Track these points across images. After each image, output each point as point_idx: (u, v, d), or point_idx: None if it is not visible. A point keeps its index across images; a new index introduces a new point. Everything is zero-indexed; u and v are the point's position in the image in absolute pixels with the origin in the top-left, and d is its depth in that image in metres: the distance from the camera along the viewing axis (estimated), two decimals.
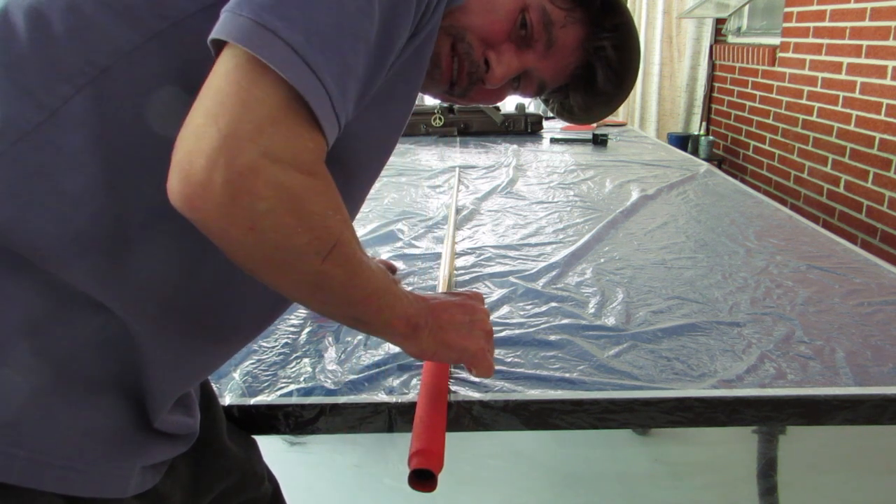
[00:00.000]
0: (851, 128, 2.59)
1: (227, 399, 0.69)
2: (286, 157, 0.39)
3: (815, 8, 2.80)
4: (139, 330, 0.43)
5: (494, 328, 0.84)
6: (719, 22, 3.87)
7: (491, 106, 1.99)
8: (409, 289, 0.97)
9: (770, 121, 3.22)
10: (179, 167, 0.38)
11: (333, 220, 0.43)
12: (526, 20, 0.60)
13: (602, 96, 0.68)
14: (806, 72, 2.89)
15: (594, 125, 2.44)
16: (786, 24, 3.04)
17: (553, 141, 2.26)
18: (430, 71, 0.57)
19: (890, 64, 2.36)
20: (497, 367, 0.74)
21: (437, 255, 1.11)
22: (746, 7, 3.59)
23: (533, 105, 2.64)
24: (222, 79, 0.38)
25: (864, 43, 2.49)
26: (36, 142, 0.40)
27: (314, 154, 0.41)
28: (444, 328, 0.58)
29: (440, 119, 2.28)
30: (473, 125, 2.35)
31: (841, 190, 2.68)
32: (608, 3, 0.62)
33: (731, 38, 3.81)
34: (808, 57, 2.86)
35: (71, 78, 0.40)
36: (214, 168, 0.37)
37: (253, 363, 0.76)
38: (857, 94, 2.55)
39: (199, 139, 0.37)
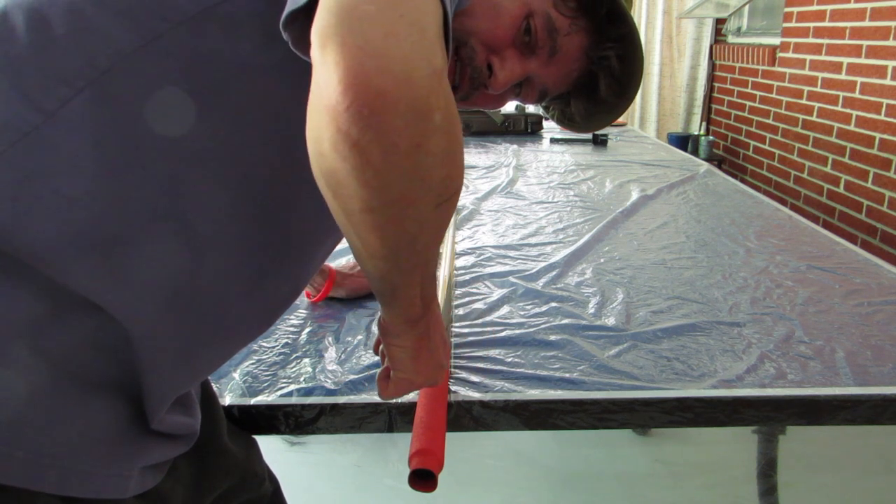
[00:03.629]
0: (851, 128, 2.59)
1: (227, 399, 0.69)
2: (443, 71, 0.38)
3: (815, 8, 2.80)
4: (138, 331, 0.43)
5: (494, 328, 0.84)
6: (719, 22, 3.87)
7: None
8: None
9: (770, 121, 3.22)
10: (374, 52, 0.34)
11: (462, 164, 0.41)
12: (530, 26, 0.60)
13: (604, 105, 0.68)
14: (806, 72, 2.89)
15: None
16: (786, 24, 3.04)
17: (553, 141, 2.26)
18: None
19: (890, 64, 2.36)
20: (497, 367, 0.74)
21: (437, 256, 1.10)
22: (746, 7, 3.58)
23: (533, 105, 2.64)
24: None
25: (864, 43, 2.49)
26: (35, 144, 0.39)
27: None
28: (433, 336, 0.57)
29: None
30: (473, 125, 2.34)
31: (841, 190, 2.68)
32: (613, 13, 0.62)
33: (731, 38, 3.81)
34: (808, 57, 2.86)
35: (70, 80, 0.40)
36: (413, 62, 0.35)
37: (253, 363, 0.76)
38: (857, 94, 2.55)
39: (395, 29, 0.35)
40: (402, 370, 0.56)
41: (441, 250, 1.11)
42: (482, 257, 1.11)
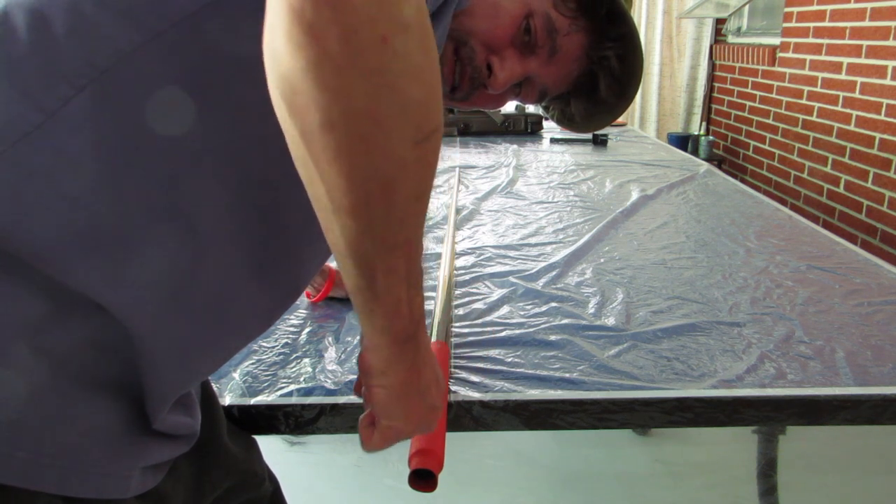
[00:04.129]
0: (851, 128, 2.59)
1: (227, 399, 0.69)
2: None
3: (815, 8, 2.80)
4: (139, 331, 0.43)
5: (494, 328, 0.84)
6: (719, 22, 3.87)
7: None
8: None
9: (770, 121, 3.22)
10: None
11: (440, 97, 0.36)
12: (530, 26, 0.60)
13: (603, 105, 0.68)
14: (806, 72, 2.89)
15: None
16: (786, 24, 3.04)
17: (553, 141, 2.26)
18: None
19: (890, 64, 2.36)
20: (497, 367, 0.74)
21: (437, 255, 1.10)
22: (746, 7, 3.58)
23: (533, 105, 2.64)
24: None
25: (864, 43, 2.49)
26: (35, 143, 0.39)
27: None
28: (424, 371, 0.49)
29: None
30: (473, 125, 2.35)
31: (841, 190, 2.68)
32: (613, 13, 0.62)
33: (731, 38, 3.81)
34: (808, 57, 2.86)
35: (71, 79, 0.40)
36: None
37: (253, 363, 0.76)
38: (857, 94, 2.55)
39: None
40: (388, 416, 0.48)
41: (441, 250, 1.11)
42: (482, 257, 1.11)
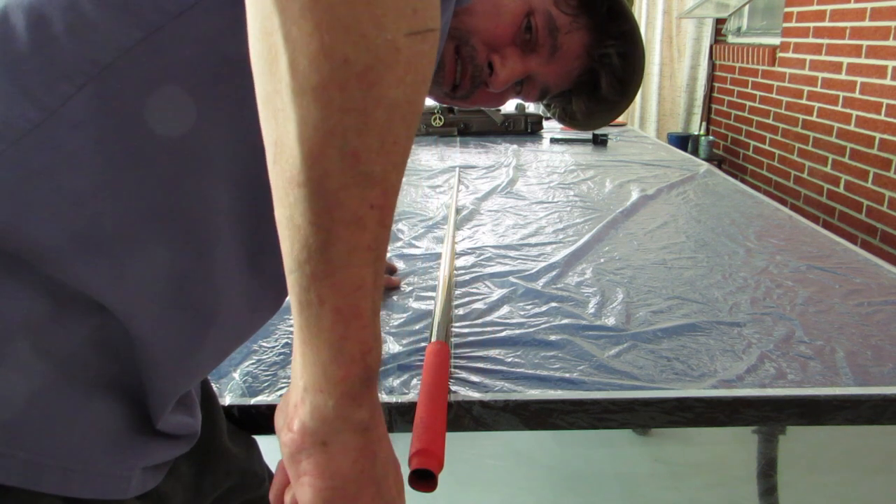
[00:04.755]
0: (851, 128, 2.59)
1: (227, 399, 0.69)
2: None
3: (815, 8, 2.80)
4: (139, 330, 0.43)
5: (494, 328, 0.84)
6: (719, 22, 3.87)
7: None
8: (409, 289, 0.97)
9: (770, 121, 3.22)
10: None
11: (437, 6, 0.30)
12: (531, 24, 0.60)
13: (605, 103, 0.68)
14: (806, 72, 2.89)
15: None
16: (786, 24, 3.04)
17: (553, 141, 2.26)
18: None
19: (890, 64, 2.36)
20: (497, 367, 0.74)
21: (437, 255, 1.10)
22: (746, 7, 3.58)
23: (533, 105, 2.64)
24: None
25: (864, 43, 2.49)
26: (36, 142, 0.39)
27: None
28: (385, 443, 0.37)
29: (440, 119, 2.28)
30: (473, 125, 2.35)
31: (841, 190, 2.68)
32: (614, 10, 0.62)
33: (731, 38, 3.81)
34: (808, 57, 2.86)
35: (71, 77, 0.40)
36: None
37: (253, 363, 0.76)
38: (857, 94, 2.55)
39: None
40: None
41: (441, 250, 1.11)
42: (482, 257, 1.11)
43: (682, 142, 3.69)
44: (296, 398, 0.34)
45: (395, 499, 0.37)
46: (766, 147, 3.27)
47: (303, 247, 0.30)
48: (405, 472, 0.56)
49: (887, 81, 2.37)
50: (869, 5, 2.46)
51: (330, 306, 0.30)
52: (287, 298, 0.55)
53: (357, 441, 0.33)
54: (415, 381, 0.71)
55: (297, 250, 0.30)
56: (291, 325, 0.85)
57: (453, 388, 0.70)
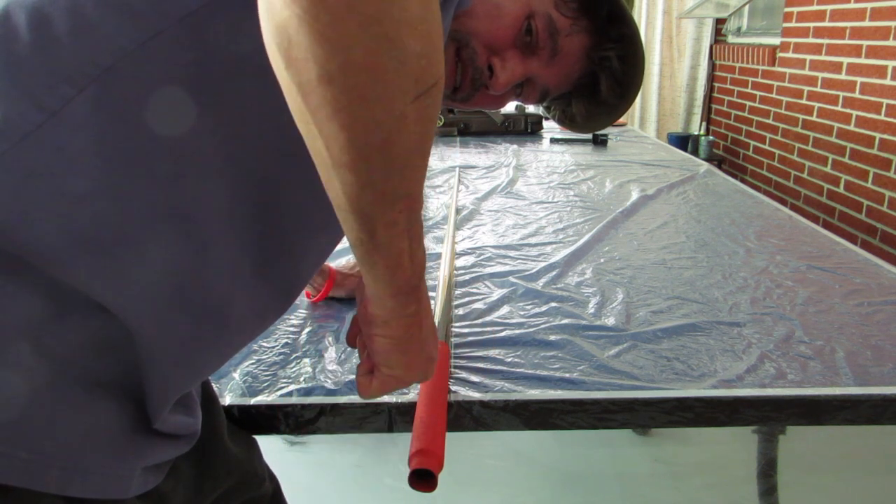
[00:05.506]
0: (851, 128, 2.59)
1: (227, 399, 0.69)
2: None
3: (815, 8, 2.80)
4: (140, 330, 0.43)
5: (494, 328, 0.84)
6: (719, 22, 3.87)
7: None
8: None
9: (770, 121, 3.22)
10: None
11: (441, 50, 0.36)
12: (531, 27, 0.60)
13: (605, 106, 0.68)
14: (806, 72, 2.89)
15: None
16: (786, 24, 3.04)
17: (553, 141, 2.27)
18: None
19: (890, 64, 2.36)
20: (497, 367, 0.74)
21: (437, 255, 1.11)
22: (746, 7, 3.59)
23: (533, 106, 2.64)
24: None
25: (864, 43, 2.49)
26: (37, 143, 0.39)
27: None
28: (424, 323, 0.50)
29: (440, 119, 2.28)
30: (473, 125, 2.35)
31: (841, 190, 2.68)
32: (615, 13, 0.62)
33: (731, 38, 3.82)
34: (808, 57, 2.86)
35: (72, 78, 0.40)
36: None
37: (253, 363, 0.76)
38: (857, 94, 2.55)
39: None
40: (388, 365, 0.50)
41: (441, 250, 1.11)
42: (482, 257, 1.11)
43: (682, 142, 3.69)
44: (369, 294, 0.46)
45: (433, 351, 0.51)
46: (766, 147, 3.27)
47: (356, 237, 0.41)
48: (405, 472, 0.56)
49: (887, 81, 2.37)
50: (869, 5, 2.46)
51: (381, 265, 0.43)
52: (292, 301, 0.56)
53: (407, 321, 0.47)
54: None
55: (352, 239, 0.41)
56: (291, 326, 0.85)
57: (453, 388, 0.70)
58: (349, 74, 0.33)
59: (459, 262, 1.09)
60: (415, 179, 0.39)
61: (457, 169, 1.78)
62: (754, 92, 3.38)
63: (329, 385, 0.72)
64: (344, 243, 0.58)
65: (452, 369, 0.74)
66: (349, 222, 0.40)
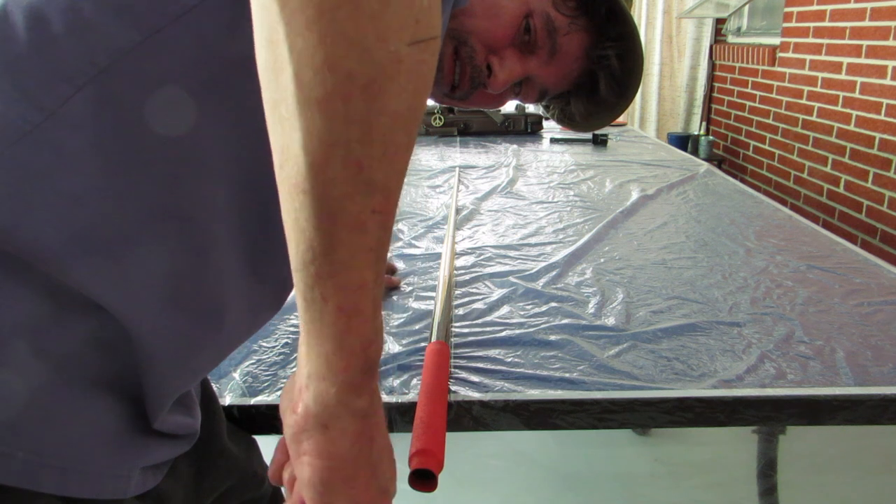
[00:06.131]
0: (851, 128, 2.59)
1: (227, 399, 0.69)
2: None
3: (815, 8, 2.80)
4: (138, 330, 0.43)
5: (494, 328, 0.84)
6: (719, 22, 3.87)
7: None
8: (409, 289, 0.97)
9: (770, 121, 3.22)
10: None
11: (439, 10, 0.30)
12: (530, 26, 0.60)
13: (604, 105, 0.68)
14: (806, 72, 2.89)
15: None
16: (786, 24, 3.04)
17: (553, 141, 2.26)
18: None
19: (890, 64, 2.36)
20: (497, 367, 0.74)
21: (437, 255, 1.10)
22: (746, 7, 3.59)
23: (533, 105, 2.64)
24: None
25: (864, 43, 2.49)
26: (35, 143, 0.39)
27: None
28: (377, 434, 0.37)
29: (440, 119, 2.28)
30: (473, 125, 2.35)
31: (841, 190, 2.68)
32: (613, 12, 0.62)
33: (731, 38, 3.81)
34: (808, 57, 2.86)
35: (70, 78, 0.40)
36: None
37: (253, 363, 0.76)
38: (857, 94, 2.55)
39: None
40: (327, 499, 0.36)
41: (441, 250, 1.11)
42: (482, 257, 1.11)
43: (682, 142, 3.69)
44: (301, 383, 0.35)
45: (388, 480, 0.38)
46: (766, 147, 3.27)
47: (307, 248, 0.31)
48: (405, 472, 0.56)
49: (887, 81, 2.37)
50: (869, 5, 2.46)
51: (333, 304, 0.32)
52: (288, 299, 0.55)
53: (356, 426, 0.35)
54: (415, 381, 0.71)
55: (302, 251, 0.32)
56: (291, 326, 0.85)
57: (453, 388, 0.70)
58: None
59: (459, 262, 1.09)
60: (395, 169, 0.31)
61: (457, 169, 1.78)
62: (754, 92, 3.38)
63: None
64: None
65: (452, 369, 0.74)
66: (303, 214, 0.30)
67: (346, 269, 0.31)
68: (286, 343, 0.81)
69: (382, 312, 0.34)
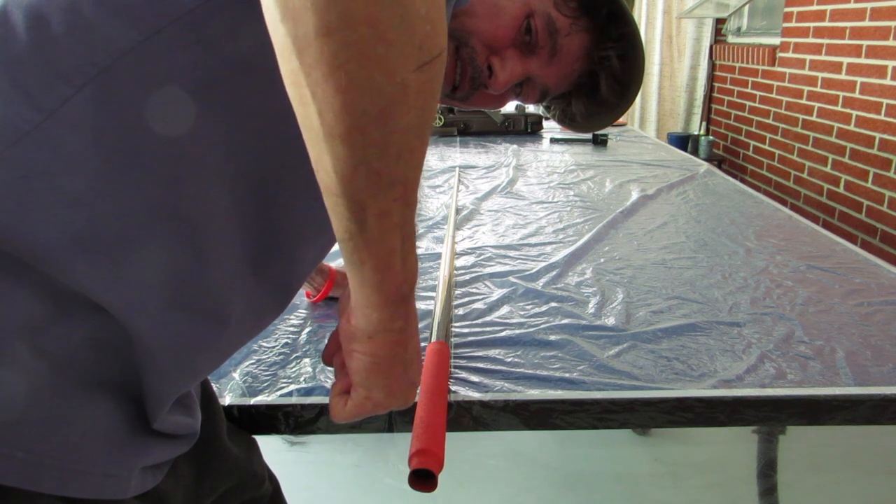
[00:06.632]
0: (851, 128, 2.59)
1: (227, 399, 0.69)
2: None
3: (815, 8, 2.80)
4: (138, 331, 0.43)
5: (494, 328, 0.84)
6: (719, 22, 3.87)
7: None
8: None
9: (770, 121, 3.22)
10: None
11: (445, 24, 0.34)
12: (531, 26, 0.60)
13: (605, 105, 0.68)
14: (806, 72, 2.89)
15: None
16: (786, 24, 3.04)
17: (553, 141, 2.26)
18: None
19: (890, 64, 2.36)
20: (497, 367, 0.74)
21: (437, 255, 1.10)
22: (746, 7, 3.59)
23: (533, 105, 2.64)
24: None
25: (864, 43, 2.49)
26: (35, 143, 0.39)
27: None
28: (409, 343, 0.46)
29: (440, 119, 2.28)
30: (473, 125, 2.35)
31: (841, 190, 2.68)
32: (614, 13, 0.62)
33: (731, 38, 3.81)
34: (808, 57, 2.86)
35: (70, 78, 0.40)
36: None
37: (253, 363, 0.76)
38: (857, 94, 2.55)
39: None
40: (367, 386, 0.46)
41: (441, 250, 1.11)
42: (482, 257, 1.11)
43: (682, 142, 3.69)
44: (353, 304, 0.44)
45: (416, 375, 0.48)
46: (766, 147, 3.27)
47: (345, 230, 0.38)
48: (405, 472, 0.56)
49: (887, 81, 2.37)
50: (869, 5, 2.46)
51: (370, 265, 0.40)
52: (290, 301, 0.56)
53: (393, 338, 0.44)
54: None
55: (341, 231, 0.39)
56: (291, 326, 0.85)
57: (453, 388, 0.70)
58: (349, 27, 0.31)
59: (459, 262, 1.09)
60: (411, 165, 0.37)
61: (457, 169, 1.78)
62: (754, 92, 3.38)
63: (329, 385, 0.71)
64: None
65: (452, 369, 0.74)
66: (338, 208, 0.37)
67: (377, 241, 0.39)
68: (286, 343, 0.81)
69: (416, 249, 0.42)
